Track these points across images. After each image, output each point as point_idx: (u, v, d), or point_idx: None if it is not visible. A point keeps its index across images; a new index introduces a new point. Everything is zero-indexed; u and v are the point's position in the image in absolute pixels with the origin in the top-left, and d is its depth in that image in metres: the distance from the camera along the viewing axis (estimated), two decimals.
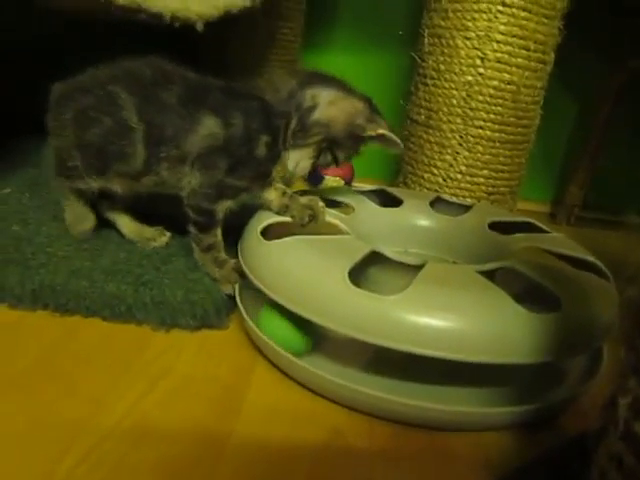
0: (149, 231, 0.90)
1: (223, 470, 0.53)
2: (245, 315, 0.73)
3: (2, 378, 0.62)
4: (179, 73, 0.81)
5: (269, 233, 0.76)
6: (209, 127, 0.76)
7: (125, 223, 0.90)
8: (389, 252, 0.71)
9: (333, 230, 0.79)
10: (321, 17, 1.67)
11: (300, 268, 0.65)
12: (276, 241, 0.70)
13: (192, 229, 0.79)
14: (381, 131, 0.79)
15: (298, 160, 0.81)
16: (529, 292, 0.68)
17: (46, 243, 0.84)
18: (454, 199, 1.02)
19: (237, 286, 0.80)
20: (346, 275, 0.61)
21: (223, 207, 0.79)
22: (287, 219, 0.80)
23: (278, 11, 1.45)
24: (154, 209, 0.92)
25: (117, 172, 0.81)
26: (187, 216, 0.79)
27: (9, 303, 0.75)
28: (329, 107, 0.79)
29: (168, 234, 0.91)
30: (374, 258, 0.70)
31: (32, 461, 0.51)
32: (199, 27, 0.96)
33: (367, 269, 0.75)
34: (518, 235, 0.82)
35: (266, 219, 0.78)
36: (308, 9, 1.57)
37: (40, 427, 0.56)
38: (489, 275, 0.66)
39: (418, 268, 0.65)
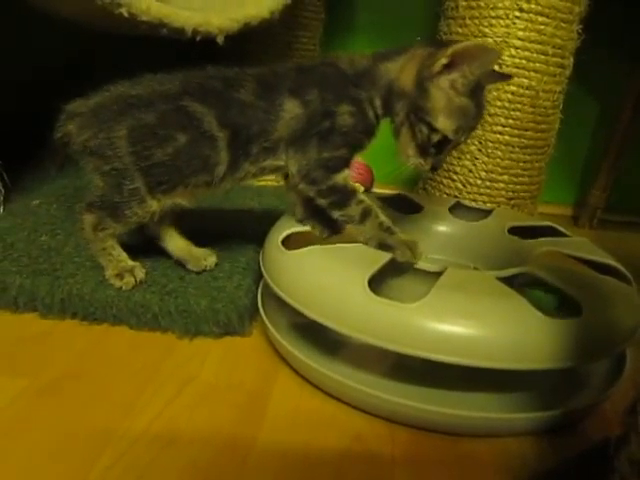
0: (198, 251, 0.87)
1: (248, 475, 0.55)
2: (267, 322, 0.74)
3: (35, 386, 0.64)
4: (243, 72, 0.77)
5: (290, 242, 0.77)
6: (291, 110, 0.74)
7: (174, 242, 0.87)
8: None
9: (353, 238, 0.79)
10: (339, 24, 1.68)
11: (321, 277, 0.66)
12: (296, 250, 0.71)
13: (336, 214, 0.75)
14: (450, 51, 0.67)
15: (404, 149, 0.76)
16: None
17: (74, 253, 0.87)
18: (474, 204, 1.03)
19: (259, 294, 0.81)
20: (366, 283, 0.62)
21: (342, 177, 0.75)
22: (306, 229, 0.80)
23: (297, 21, 1.46)
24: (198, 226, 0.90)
25: (195, 185, 0.77)
26: (323, 207, 0.76)
27: (40, 312, 0.78)
28: (400, 76, 0.73)
29: (215, 254, 0.88)
30: (394, 265, 0.71)
31: (65, 466, 0.53)
32: (220, 40, 0.98)
33: (387, 275, 0.75)
34: (538, 240, 0.82)
35: (287, 228, 0.79)
36: (326, 16, 1.58)
37: (72, 432, 0.58)
38: (509, 281, 0.67)
39: (437, 275, 0.66)
